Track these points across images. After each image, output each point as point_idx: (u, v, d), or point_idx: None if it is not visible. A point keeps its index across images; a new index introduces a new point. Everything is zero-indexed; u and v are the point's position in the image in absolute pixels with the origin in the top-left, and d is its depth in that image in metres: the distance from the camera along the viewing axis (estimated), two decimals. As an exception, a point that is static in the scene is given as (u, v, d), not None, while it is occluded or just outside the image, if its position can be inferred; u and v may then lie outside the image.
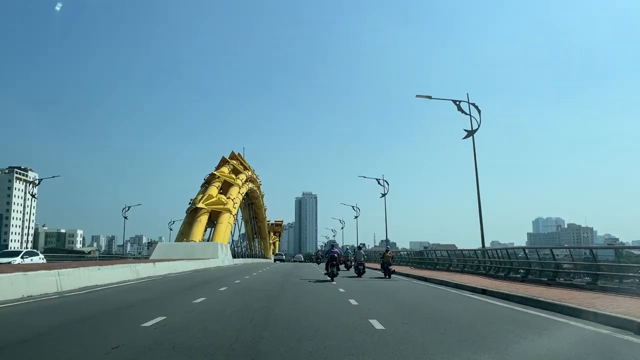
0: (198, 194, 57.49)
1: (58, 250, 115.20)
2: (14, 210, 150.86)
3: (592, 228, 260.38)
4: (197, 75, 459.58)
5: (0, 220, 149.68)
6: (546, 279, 15.39)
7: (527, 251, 18.35)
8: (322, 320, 8.07)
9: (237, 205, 63.04)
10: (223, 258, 44.15)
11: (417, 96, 25.35)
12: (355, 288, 15.63)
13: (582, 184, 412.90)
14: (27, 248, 49.48)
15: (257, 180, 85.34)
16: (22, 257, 27.47)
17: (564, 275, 15.52)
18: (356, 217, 74.35)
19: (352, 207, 74.84)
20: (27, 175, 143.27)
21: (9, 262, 24.70)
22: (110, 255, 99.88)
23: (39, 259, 29.86)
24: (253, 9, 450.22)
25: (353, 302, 11.09)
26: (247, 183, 72.96)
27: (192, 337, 6.32)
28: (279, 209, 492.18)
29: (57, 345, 5.83)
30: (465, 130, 24.80)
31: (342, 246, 77.48)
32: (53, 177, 65.23)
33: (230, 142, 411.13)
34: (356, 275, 23.30)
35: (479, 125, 24.50)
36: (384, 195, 51.09)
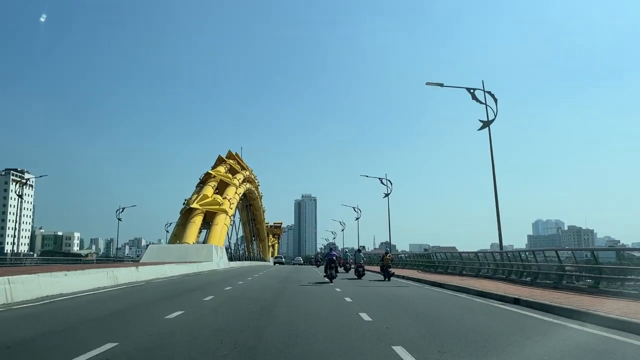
0: (193, 194, 54.62)
1: (54, 252, 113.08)
2: (10, 212, 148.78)
3: (593, 230, 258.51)
4: (197, 76, 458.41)
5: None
6: (586, 287, 13.20)
7: (558, 253, 16.08)
8: (330, 346, 5.92)
9: (233, 206, 60.20)
10: (218, 261, 41.86)
11: (427, 84, 23.39)
12: (360, 292, 14.10)
13: (582, 186, 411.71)
14: (22, 251, 47.32)
15: (256, 181, 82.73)
16: None
17: (610, 281, 13.13)
18: (357, 218, 72.55)
19: (354, 208, 73.12)
20: (23, 178, 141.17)
21: None
22: (107, 258, 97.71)
23: None
24: (253, 10, 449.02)
25: (365, 317, 8.95)
26: (245, 183, 70.44)
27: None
28: (278, 211, 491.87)
29: None
30: (480, 120, 22.92)
31: (342, 249, 75.69)
32: (40, 176, 63.19)
33: (230, 142, 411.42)
34: (356, 277, 23.14)
35: (495, 116, 22.49)
36: (387, 195, 49.31)
